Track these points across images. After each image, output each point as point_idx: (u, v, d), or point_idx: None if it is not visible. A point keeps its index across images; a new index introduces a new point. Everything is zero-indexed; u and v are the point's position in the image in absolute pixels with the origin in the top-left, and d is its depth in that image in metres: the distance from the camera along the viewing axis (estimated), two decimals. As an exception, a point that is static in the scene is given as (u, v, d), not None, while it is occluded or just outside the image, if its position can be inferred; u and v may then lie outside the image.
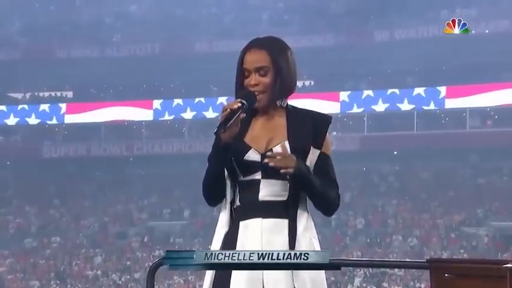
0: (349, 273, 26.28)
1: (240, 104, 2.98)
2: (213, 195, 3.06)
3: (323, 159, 3.06)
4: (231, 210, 3.05)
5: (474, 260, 2.82)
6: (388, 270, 25.26)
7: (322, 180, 3.02)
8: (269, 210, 2.98)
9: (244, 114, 2.99)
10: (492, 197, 30.83)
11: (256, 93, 3.05)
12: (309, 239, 2.99)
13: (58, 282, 29.12)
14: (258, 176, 3.01)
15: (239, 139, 3.03)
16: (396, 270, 25.27)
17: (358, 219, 31.19)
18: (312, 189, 2.99)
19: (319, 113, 3.13)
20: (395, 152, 34.10)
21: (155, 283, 3.21)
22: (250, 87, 3.06)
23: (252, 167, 3.02)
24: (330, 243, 28.26)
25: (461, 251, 27.87)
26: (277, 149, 3.00)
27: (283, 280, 2.92)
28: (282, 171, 2.92)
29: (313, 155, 3.03)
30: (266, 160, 2.93)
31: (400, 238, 29.65)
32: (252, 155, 3.02)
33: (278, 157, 2.93)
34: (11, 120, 38.30)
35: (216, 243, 3.02)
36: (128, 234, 32.81)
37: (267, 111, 3.09)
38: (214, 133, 2.95)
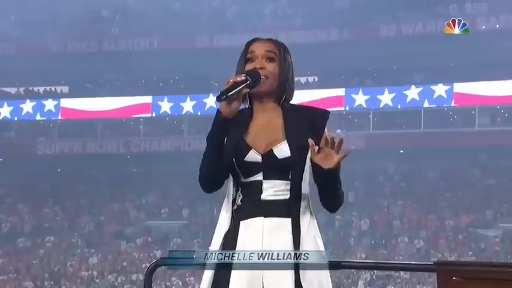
0: (352, 275, 26.28)
1: (244, 78, 2.99)
2: (209, 179, 3.07)
3: None
4: (232, 209, 3.06)
5: (483, 263, 2.82)
6: (393, 273, 25.24)
7: None
8: (271, 209, 3.00)
9: (247, 90, 3.00)
10: (502, 198, 30.81)
11: (262, 76, 3.07)
12: (313, 238, 3.02)
13: (52, 283, 29.14)
14: (259, 177, 3.03)
15: (240, 138, 3.04)
16: (402, 273, 25.25)
17: (362, 220, 31.20)
18: (336, 184, 3.02)
19: (316, 108, 3.15)
20: (401, 151, 34.08)
21: (153, 285, 3.21)
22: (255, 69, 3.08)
23: (253, 168, 3.03)
24: (333, 244, 28.25)
25: (470, 253, 27.86)
26: (278, 149, 3.02)
27: (283, 282, 2.93)
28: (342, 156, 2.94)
29: None
30: (337, 133, 2.97)
31: (406, 240, 29.65)
32: (253, 156, 3.03)
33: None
34: (4, 116, 38.33)
35: (216, 243, 3.04)
36: (124, 234, 32.83)
37: (266, 110, 3.11)
38: (216, 98, 2.96)
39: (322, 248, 3.03)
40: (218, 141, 3.02)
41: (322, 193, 3.04)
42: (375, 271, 25.06)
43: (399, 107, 34.29)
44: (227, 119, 2.99)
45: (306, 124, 3.06)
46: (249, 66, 3.10)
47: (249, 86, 3.01)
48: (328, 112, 3.14)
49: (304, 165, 3.03)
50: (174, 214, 33.72)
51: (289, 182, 3.01)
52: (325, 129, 3.09)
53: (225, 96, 2.96)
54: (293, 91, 3.16)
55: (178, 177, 33.04)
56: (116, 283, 28.73)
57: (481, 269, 2.78)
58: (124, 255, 30.83)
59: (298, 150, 3.01)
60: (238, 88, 2.97)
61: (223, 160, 3.03)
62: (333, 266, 3.05)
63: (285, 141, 3.03)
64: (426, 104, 33.80)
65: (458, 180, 32.00)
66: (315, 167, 2.96)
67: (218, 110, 3.01)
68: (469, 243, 28.89)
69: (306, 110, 3.12)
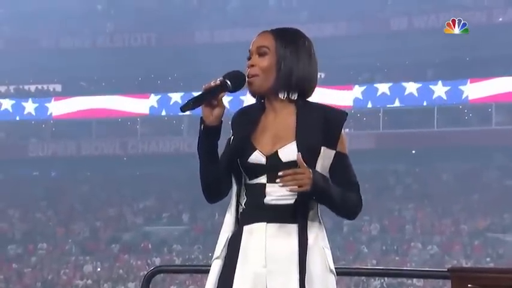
0: (362, 283, 26.29)
1: (218, 82, 2.98)
2: (208, 189, 3.07)
3: (340, 159, 3.05)
4: (236, 214, 3.07)
5: (500, 269, 2.81)
6: (405, 280, 25.24)
7: (341, 186, 3.00)
8: (275, 214, 2.99)
9: (224, 93, 2.98)
10: (520, 201, 30.80)
11: (250, 75, 3.04)
12: (321, 249, 3.00)
13: (45, 292, 29.21)
14: (263, 179, 3.02)
15: (246, 138, 3.04)
16: (415, 280, 25.24)
17: (372, 224, 31.19)
18: (332, 202, 2.98)
19: (332, 108, 3.09)
20: (413, 151, 34.07)
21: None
22: (248, 68, 3.06)
23: (257, 170, 3.02)
24: (342, 250, 28.27)
25: (487, 259, 27.85)
26: (283, 151, 2.99)
27: (288, 284, 2.93)
28: (298, 189, 2.88)
29: (326, 156, 3.01)
30: (278, 181, 2.88)
31: (419, 245, 29.65)
32: (257, 158, 3.02)
33: (289, 177, 2.87)
34: (-6, 116, 38.40)
35: (219, 248, 3.05)
36: (121, 240, 32.86)
37: (275, 108, 3.08)
38: (180, 108, 2.95)
39: (330, 259, 3.01)
40: (207, 151, 3.01)
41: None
42: (386, 278, 25.06)
43: (411, 104, 34.26)
44: (211, 126, 2.98)
45: (320, 125, 3.01)
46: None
47: (229, 90, 3.00)
48: (346, 113, 3.07)
49: (314, 169, 2.98)
50: (174, 219, 33.75)
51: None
52: (342, 131, 3.06)
53: (191, 104, 2.94)
54: (307, 84, 3.06)
55: (178, 180, 33.06)
56: (113, 292, 28.78)
57: (499, 275, 2.77)
58: (121, 263, 30.87)
59: (307, 153, 2.97)
60: (209, 95, 2.95)
61: (221, 169, 3.03)
62: (342, 273, 3.04)
63: (294, 142, 3.00)
64: (439, 102, 33.78)
65: (474, 181, 31.97)
66: None
67: (201, 117, 3.00)
68: (486, 248, 28.87)
69: (321, 109, 3.05)
